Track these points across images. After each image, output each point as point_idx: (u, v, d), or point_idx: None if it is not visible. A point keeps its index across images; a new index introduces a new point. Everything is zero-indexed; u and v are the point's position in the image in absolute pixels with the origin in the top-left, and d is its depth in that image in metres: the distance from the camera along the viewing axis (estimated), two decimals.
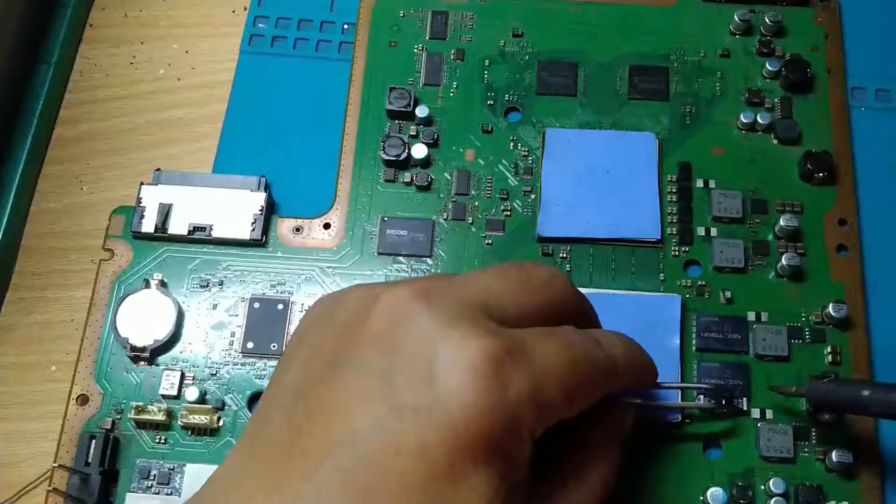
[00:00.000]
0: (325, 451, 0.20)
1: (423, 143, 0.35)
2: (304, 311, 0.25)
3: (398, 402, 0.20)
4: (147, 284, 0.32)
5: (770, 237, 0.34)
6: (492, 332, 0.21)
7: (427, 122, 0.35)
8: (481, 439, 0.20)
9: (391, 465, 0.19)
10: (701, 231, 0.34)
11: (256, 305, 0.33)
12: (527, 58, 0.37)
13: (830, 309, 0.32)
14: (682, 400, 0.31)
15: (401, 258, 0.33)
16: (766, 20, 0.36)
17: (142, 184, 0.34)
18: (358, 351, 0.21)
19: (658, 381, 0.28)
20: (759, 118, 0.35)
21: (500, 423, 0.20)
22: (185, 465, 0.30)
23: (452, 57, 0.37)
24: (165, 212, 0.33)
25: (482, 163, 0.35)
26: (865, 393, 0.27)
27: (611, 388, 0.25)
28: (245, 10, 0.39)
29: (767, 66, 0.36)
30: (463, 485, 0.20)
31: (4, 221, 0.34)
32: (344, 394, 0.21)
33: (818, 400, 0.29)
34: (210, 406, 0.31)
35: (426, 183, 0.34)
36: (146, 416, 0.30)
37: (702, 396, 0.31)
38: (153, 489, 0.30)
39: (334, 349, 0.22)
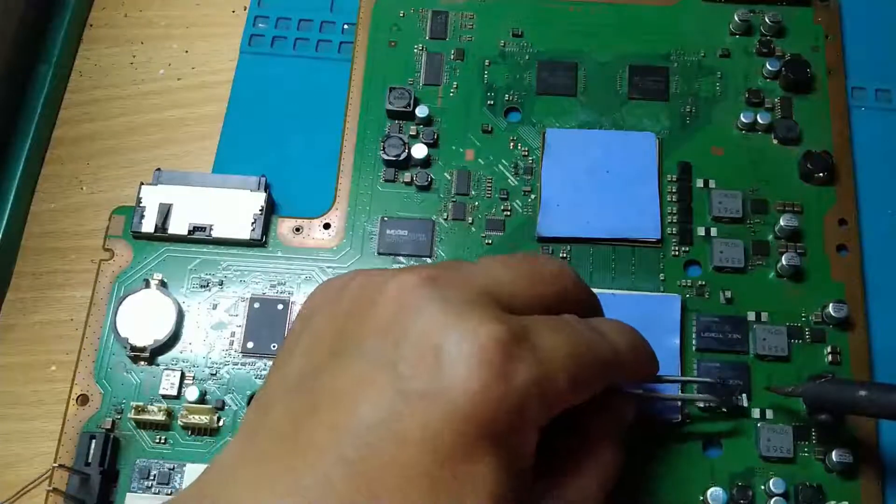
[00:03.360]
0: (330, 440, 0.19)
1: (423, 143, 0.35)
2: (307, 296, 0.25)
3: (405, 389, 0.20)
4: (147, 284, 0.32)
5: (770, 237, 0.33)
6: (499, 320, 0.21)
7: (427, 122, 0.35)
8: (488, 427, 0.20)
9: (396, 453, 0.19)
10: (701, 231, 0.34)
11: (256, 305, 0.33)
12: (527, 58, 0.37)
13: (830, 309, 0.32)
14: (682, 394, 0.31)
15: (401, 258, 0.34)
16: (766, 20, 0.36)
17: (142, 184, 0.34)
18: (364, 339, 0.21)
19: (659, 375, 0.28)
20: (759, 118, 0.35)
21: (506, 411, 0.20)
22: (185, 465, 0.30)
23: (452, 57, 0.37)
24: (165, 212, 0.33)
25: (482, 163, 0.35)
26: (862, 393, 0.27)
27: (614, 377, 0.25)
28: (245, 10, 0.39)
29: (767, 66, 0.36)
30: (469, 473, 0.19)
31: (4, 221, 0.34)
32: (349, 382, 0.20)
33: (815, 400, 0.29)
34: (210, 406, 0.31)
35: (426, 183, 0.34)
36: (146, 416, 0.30)
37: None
38: (153, 489, 0.30)
39: (339, 337, 0.22)
